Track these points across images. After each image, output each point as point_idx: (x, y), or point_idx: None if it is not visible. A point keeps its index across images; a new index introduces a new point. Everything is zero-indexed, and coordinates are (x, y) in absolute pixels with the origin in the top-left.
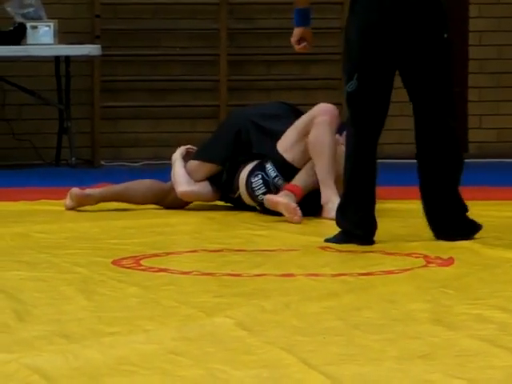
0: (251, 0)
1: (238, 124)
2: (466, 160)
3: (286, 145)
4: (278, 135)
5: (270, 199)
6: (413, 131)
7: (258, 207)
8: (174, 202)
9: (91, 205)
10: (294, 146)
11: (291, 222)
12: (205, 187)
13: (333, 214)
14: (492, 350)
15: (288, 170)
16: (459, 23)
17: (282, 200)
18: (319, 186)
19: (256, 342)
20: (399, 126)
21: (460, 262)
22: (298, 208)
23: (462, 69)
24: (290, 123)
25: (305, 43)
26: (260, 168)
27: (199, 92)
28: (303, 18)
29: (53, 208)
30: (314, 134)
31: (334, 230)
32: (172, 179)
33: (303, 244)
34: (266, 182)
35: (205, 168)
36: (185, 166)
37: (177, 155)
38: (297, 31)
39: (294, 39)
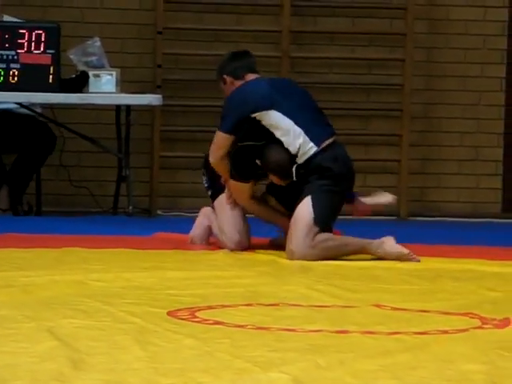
0: (310, 55)
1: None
2: None
3: None
4: None
5: None
6: (471, 189)
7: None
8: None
9: None
10: None
11: None
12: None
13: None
14: None
15: None
16: None
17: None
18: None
19: None
20: (456, 184)
21: None
22: None
23: None
24: None
25: None
26: None
27: None
28: None
29: (109, 256)
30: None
31: (389, 287)
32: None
33: (358, 301)
34: None
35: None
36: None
37: None
38: None
39: None
